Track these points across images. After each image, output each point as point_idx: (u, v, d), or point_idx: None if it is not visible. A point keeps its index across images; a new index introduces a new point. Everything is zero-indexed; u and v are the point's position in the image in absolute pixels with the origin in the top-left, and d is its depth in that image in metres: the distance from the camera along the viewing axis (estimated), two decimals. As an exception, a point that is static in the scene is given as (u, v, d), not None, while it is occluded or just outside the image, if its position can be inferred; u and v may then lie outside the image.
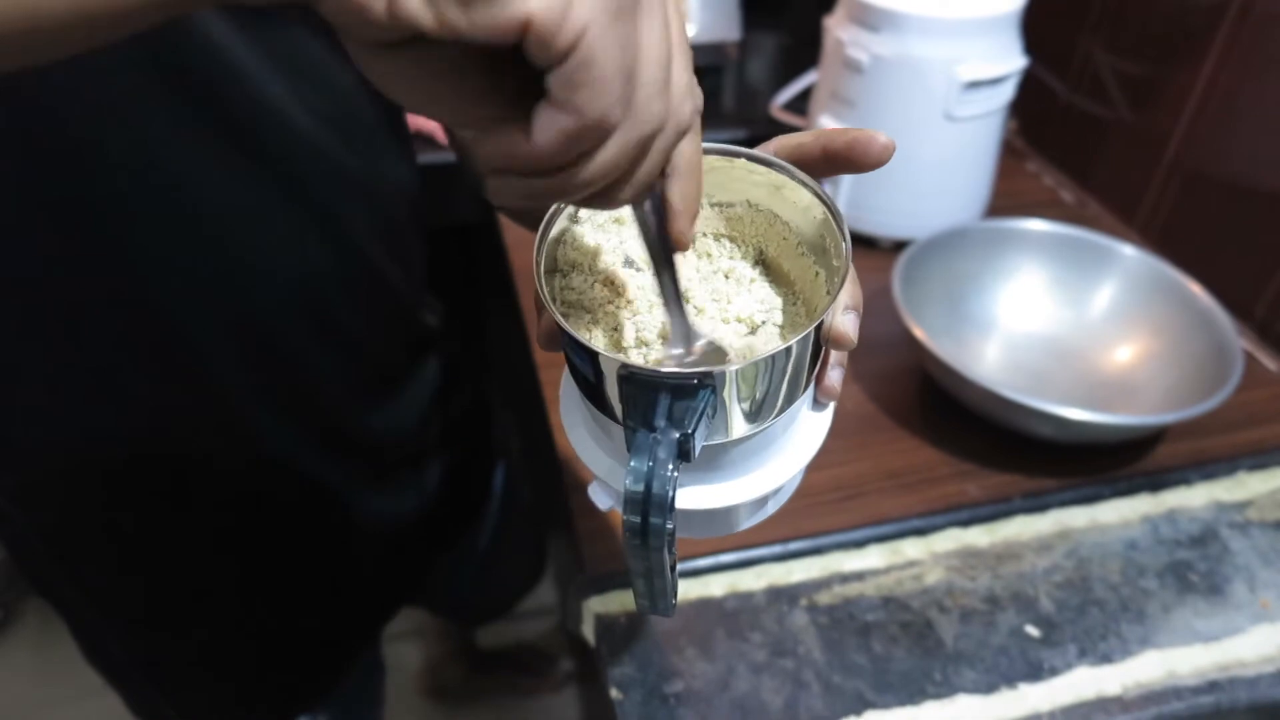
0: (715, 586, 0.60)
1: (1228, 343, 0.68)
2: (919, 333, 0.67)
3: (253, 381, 0.55)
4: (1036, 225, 0.79)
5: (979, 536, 0.63)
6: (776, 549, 0.61)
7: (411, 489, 0.72)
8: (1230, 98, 0.81)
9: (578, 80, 0.22)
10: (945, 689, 0.55)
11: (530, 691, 1.45)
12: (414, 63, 0.23)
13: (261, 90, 0.46)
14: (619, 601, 0.58)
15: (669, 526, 0.30)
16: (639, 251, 0.36)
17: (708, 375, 0.29)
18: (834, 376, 0.36)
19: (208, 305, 0.50)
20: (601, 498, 0.38)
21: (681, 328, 0.32)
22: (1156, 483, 0.67)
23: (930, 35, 0.78)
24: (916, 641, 0.57)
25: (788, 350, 0.30)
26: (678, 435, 0.29)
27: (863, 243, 0.90)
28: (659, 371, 0.29)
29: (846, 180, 0.86)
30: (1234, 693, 0.55)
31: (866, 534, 0.63)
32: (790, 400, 0.33)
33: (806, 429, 0.37)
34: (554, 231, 0.34)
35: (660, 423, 0.29)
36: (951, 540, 0.63)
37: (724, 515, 0.37)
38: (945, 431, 0.71)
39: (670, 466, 0.29)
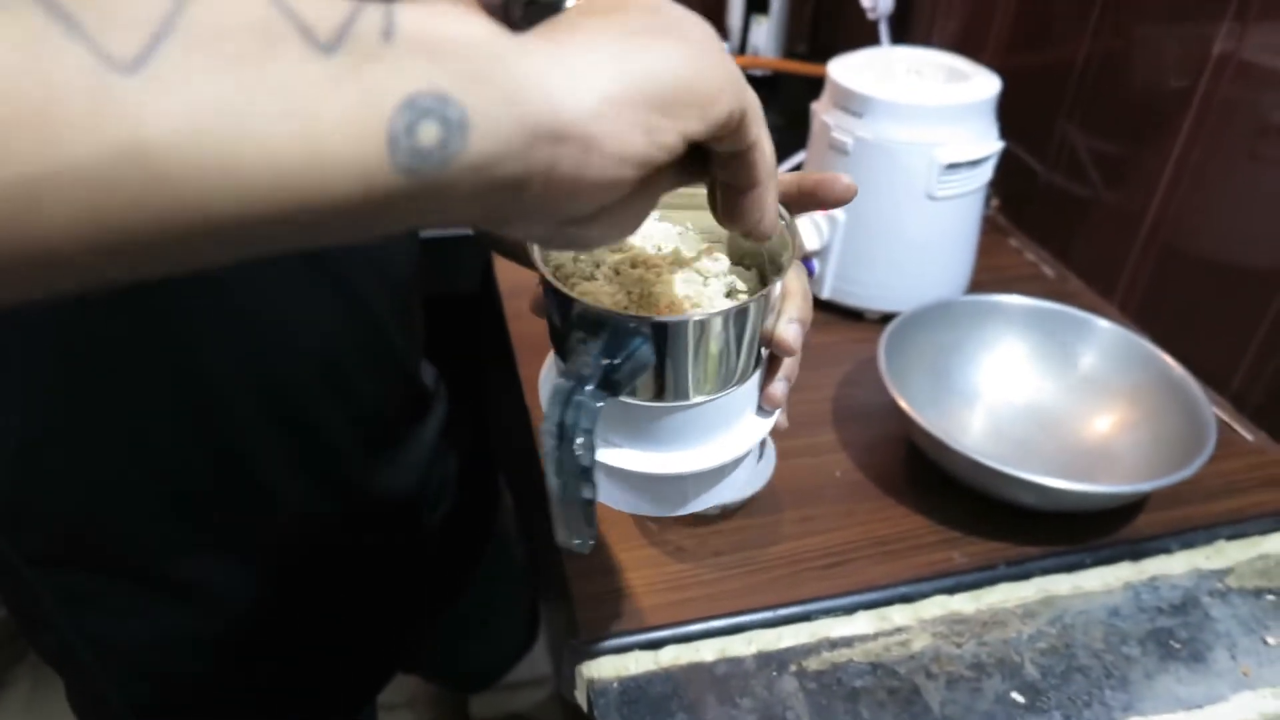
0: (706, 652, 0.61)
1: (1201, 413, 0.70)
2: (904, 403, 0.70)
3: (269, 434, 0.57)
4: (1016, 300, 0.82)
5: (965, 603, 0.65)
6: (766, 614, 0.62)
7: (407, 547, 0.74)
8: (1199, 178, 0.85)
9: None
10: (932, 755, 0.55)
11: (524, 763, 1.43)
12: (640, 193, 0.28)
13: None
14: (612, 666, 0.59)
15: (587, 437, 0.33)
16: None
17: (644, 320, 0.34)
18: (779, 388, 0.40)
19: (232, 361, 0.53)
20: None
21: None
22: (1138, 550, 0.68)
23: (910, 120, 0.82)
24: (904, 707, 0.58)
25: (722, 316, 0.35)
26: (606, 362, 0.34)
27: (849, 315, 0.93)
28: (603, 309, 0.34)
29: (834, 255, 0.90)
30: (1216, 760, 0.56)
31: (854, 600, 0.64)
32: (727, 380, 0.37)
33: (747, 426, 0.41)
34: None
35: (596, 346, 0.34)
36: (938, 607, 0.64)
37: (661, 485, 0.41)
38: (931, 499, 0.73)
39: (594, 381, 0.33)
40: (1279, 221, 0.79)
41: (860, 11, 1.17)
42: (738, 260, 0.43)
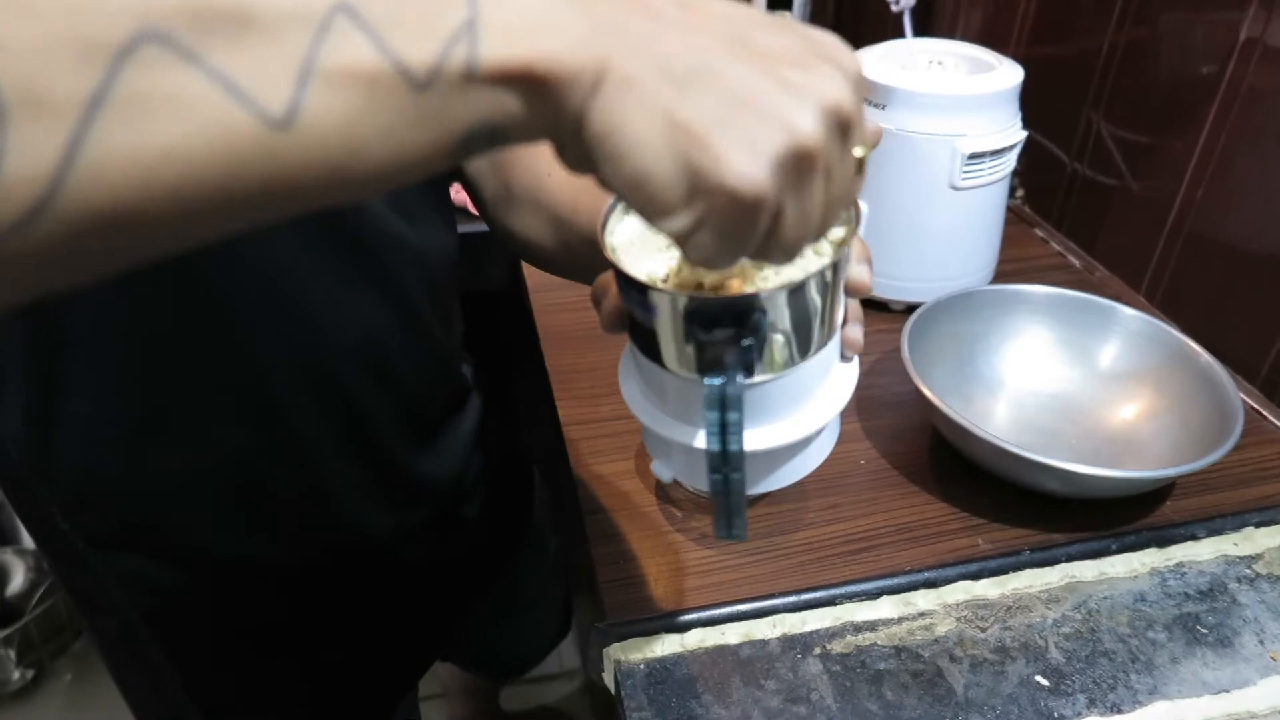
0: (730, 635, 0.62)
1: (1229, 400, 0.70)
2: (927, 390, 0.70)
3: (322, 425, 0.59)
4: (1040, 289, 0.82)
5: (989, 588, 0.65)
6: (790, 599, 0.63)
7: (448, 536, 0.75)
8: (1225, 167, 0.85)
9: None
10: (956, 737, 0.56)
11: (553, 754, 1.44)
12: None
13: None
14: (639, 649, 0.61)
15: (742, 430, 0.34)
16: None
17: (756, 296, 0.34)
18: (855, 331, 0.41)
19: (287, 355, 0.56)
20: (663, 471, 0.42)
21: None
22: (1164, 537, 0.68)
23: (931, 111, 0.83)
24: (928, 690, 0.59)
25: (819, 275, 0.35)
26: (747, 344, 0.34)
27: (874, 306, 0.93)
28: (718, 296, 0.34)
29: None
30: (1243, 743, 0.56)
31: (879, 585, 0.65)
32: (820, 339, 0.37)
33: (837, 379, 0.42)
34: (613, 217, 0.40)
35: (723, 334, 0.34)
36: (962, 592, 0.65)
37: (768, 460, 0.41)
38: (955, 487, 0.73)
39: (740, 375, 0.34)
40: (1308, 207, 0.78)
41: (883, 5, 1.17)
42: None
